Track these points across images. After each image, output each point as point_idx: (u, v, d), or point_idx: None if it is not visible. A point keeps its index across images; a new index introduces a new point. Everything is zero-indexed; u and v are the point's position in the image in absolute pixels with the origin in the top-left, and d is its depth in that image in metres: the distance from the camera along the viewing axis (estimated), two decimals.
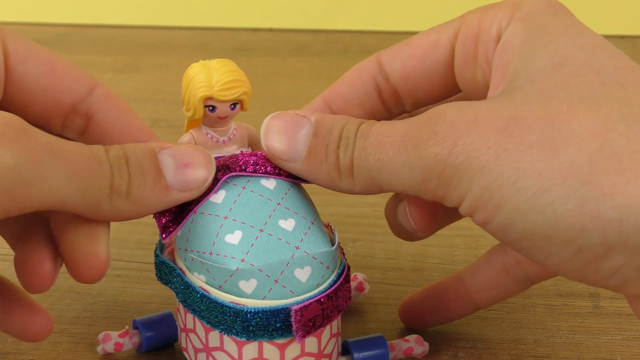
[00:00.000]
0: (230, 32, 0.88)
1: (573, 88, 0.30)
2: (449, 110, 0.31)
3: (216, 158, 0.36)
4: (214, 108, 0.35)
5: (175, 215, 0.35)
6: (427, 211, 0.36)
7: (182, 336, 0.37)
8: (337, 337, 0.36)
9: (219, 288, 0.34)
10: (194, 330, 0.36)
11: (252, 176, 0.35)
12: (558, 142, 0.29)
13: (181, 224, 0.35)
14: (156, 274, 0.37)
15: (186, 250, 0.35)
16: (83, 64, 0.82)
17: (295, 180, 0.35)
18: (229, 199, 0.34)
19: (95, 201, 0.32)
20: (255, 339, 0.34)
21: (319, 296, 0.34)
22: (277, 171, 0.35)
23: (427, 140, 0.31)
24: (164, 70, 0.78)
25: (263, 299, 0.33)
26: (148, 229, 0.49)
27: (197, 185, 0.34)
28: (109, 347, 0.39)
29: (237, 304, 0.33)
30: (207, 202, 0.34)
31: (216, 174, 0.35)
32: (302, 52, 0.83)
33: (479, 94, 0.35)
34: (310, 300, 0.33)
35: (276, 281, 0.33)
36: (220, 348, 0.35)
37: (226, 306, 0.33)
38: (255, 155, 0.35)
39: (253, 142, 0.38)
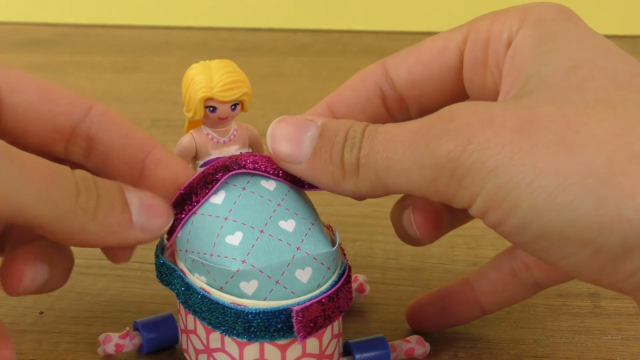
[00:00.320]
0: (230, 32, 0.88)
1: (588, 91, 0.30)
2: (462, 108, 0.31)
3: (215, 159, 0.36)
4: (214, 109, 0.35)
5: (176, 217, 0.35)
6: (432, 219, 0.36)
7: (182, 337, 0.37)
8: (339, 338, 0.36)
9: (220, 289, 0.34)
10: (194, 332, 0.36)
11: (252, 177, 0.35)
12: (576, 143, 0.29)
13: (181, 225, 0.35)
14: (157, 276, 0.37)
15: (187, 251, 0.35)
16: (83, 64, 0.82)
17: (295, 186, 0.35)
18: (229, 200, 0.34)
19: (59, 214, 0.31)
20: (256, 340, 0.34)
21: (320, 297, 0.34)
22: (277, 172, 0.35)
23: (439, 138, 0.30)
24: (164, 70, 0.78)
25: (264, 300, 0.33)
26: None
27: (157, 229, 0.34)
28: (110, 348, 0.39)
29: (238, 304, 0.33)
30: (207, 203, 0.34)
31: (216, 174, 0.35)
32: (302, 52, 0.83)
33: (488, 99, 0.35)
34: (311, 301, 0.33)
35: (277, 282, 0.33)
36: (222, 349, 0.35)
37: (227, 307, 0.33)
38: (255, 155, 0.35)
39: (254, 143, 0.38)
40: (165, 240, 0.37)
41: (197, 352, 0.36)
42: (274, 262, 0.33)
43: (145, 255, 0.47)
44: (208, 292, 0.34)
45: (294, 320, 0.33)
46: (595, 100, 0.30)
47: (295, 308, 0.33)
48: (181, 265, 0.35)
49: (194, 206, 0.35)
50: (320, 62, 0.80)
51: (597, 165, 0.28)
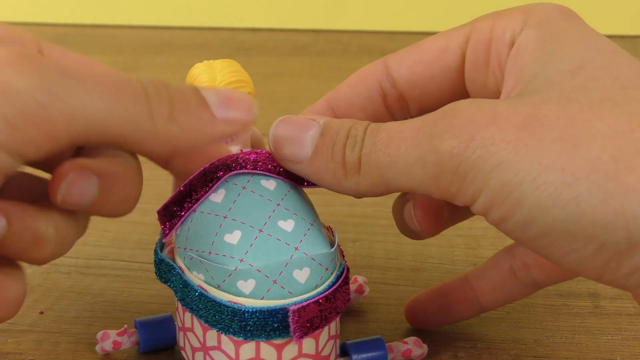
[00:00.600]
0: (230, 32, 0.88)
1: (593, 90, 0.30)
2: (466, 105, 0.31)
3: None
4: None
5: (174, 214, 0.35)
6: (432, 213, 0.36)
7: (180, 335, 0.37)
8: (336, 339, 0.36)
9: (218, 287, 0.34)
10: (192, 329, 0.36)
11: (252, 176, 0.35)
12: (581, 139, 0.29)
13: (180, 222, 0.35)
14: (155, 272, 0.37)
15: (185, 249, 0.35)
16: None
17: (296, 184, 0.35)
18: (229, 198, 0.34)
19: (134, 120, 0.30)
20: (252, 339, 0.34)
21: (317, 297, 0.34)
22: (278, 170, 0.35)
23: (442, 134, 0.30)
24: (164, 70, 0.78)
25: (261, 299, 0.33)
26: (148, 229, 0.49)
27: (240, 119, 0.33)
28: (107, 345, 0.39)
29: (235, 303, 0.33)
30: (207, 201, 0.34)
31: (217, 172, 0.35)
32: (302, 52, 0.83)
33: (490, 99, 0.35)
34: (308, 301, 0.33)
35: (274, 282, 0.33)
36: (218, 347, 0.35)
37: (224, 305, 0.33)
38: (256, 152, 0.35)
39: (256, 143, 0.38)
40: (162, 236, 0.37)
41: (194, 350, 0.36)
42: (272, 262, 0.33)
43: (146, 255, 0.47)
44: (205, 290, 0.34)
45: (290, 320, 0.33)
46: (599, 99, 0.30)
47: (292, 308, 0.33)
48: (180, 262, 0.35)
49: (194, 204, 0.35)
50: (320, 62, 0.80)
51: (602, 161, 0.28)
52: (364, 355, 0.37)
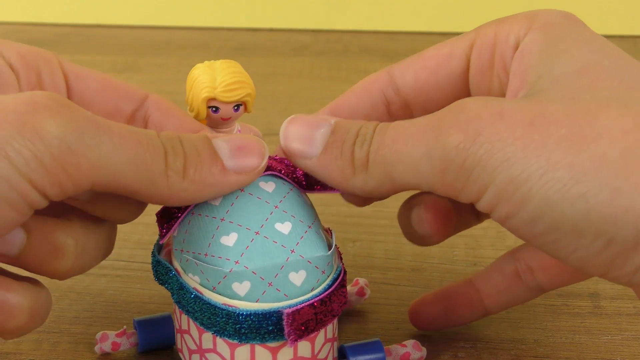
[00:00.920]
0: (230, 32, 0.88)
1: (599, 90, 0.30)
2: (473, 102, 0.31)
3: None
4: (217, 109, 0.35)
5: (172, 216, 0.35)
6: (442, 216, 0.36)
7: (177, 337, 0.37)
8: (333, 341, 0.36)
9: (213, 289, 0.34)
10: (188, 332, 0.36)
11: None
12: (589, 137, 0.29)
13: (176, 224, 0.35)
14: (153, 274, 0.37)
15: (182, 250, 0.35)
16: (83, 64, 0.82)
17: (307, 190, 0.35)
18: (227, 201, 0.34)
19: (151, 176, 0.31)
20: (247, 342, 0.34)
21: (312, 300, 0.33)
22: (278, 169, 0.35)
23: (449, 129, 0.30)
24: (164, 70, 0.78)
25: (257, 302, 0.33)
26: (148, 229, 0.49)
27: (253, 168, 0.33)
28: (106, 346, 0.39)
29: (229, 305, 0.33)
30: (205, 203, 0.34)
31: None
32: (302, 52, 0.83)
33: None
34: (302, 304, 0.33)
35: (270, 284, 0.33)
36: (213, 350, 0.35)
37: (218, 308, 0.33)
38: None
39: None
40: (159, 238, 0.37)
41: (191, 352, 0.36)
42: (268, 264, 0.33)
43: (146, 255, 0.47)
44: (201, 293, 0.34)
45: (284, 323, 0.33)
46: (607, 98, 0.30)
47: (286, 311, 0.33)
48: (176, 264, 0.35)
49: (191, 206, 0.34)
50: (320, 62, 0.80)
51: (611, 158, 0.28)
52: (362, 358, 0.37)
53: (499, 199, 0.30)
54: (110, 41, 0.86)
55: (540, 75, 0.32)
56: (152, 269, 0.37)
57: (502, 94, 0.34)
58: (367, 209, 0.52)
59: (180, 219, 0.35)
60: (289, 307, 0.33)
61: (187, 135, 0.33)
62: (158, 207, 0.35)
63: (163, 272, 0.36)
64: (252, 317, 0.33)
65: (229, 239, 0.33)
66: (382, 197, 0.35)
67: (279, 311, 0.33)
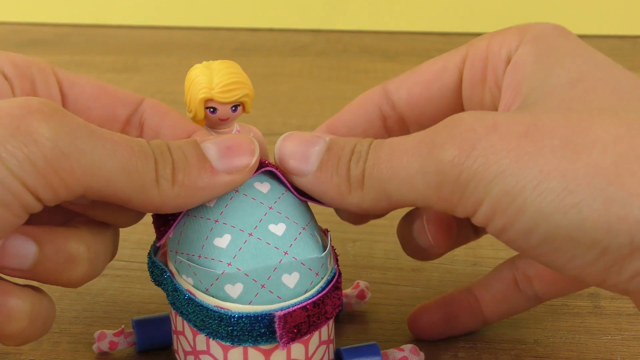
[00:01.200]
0: (230, 32, 0.88)
1: (592, 101, 0.30)
2: (467, 116, 0.31)
3: None
4: (214, 110, 0.35)
5: (169, 218, 0.35)
6: (445, 227, 0.36)
7: (174, 338, 0.37)
8: (329, 344, 0.36)
9: (206, 291, 0.33)
10: (183, 333, 0.36)
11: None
12: (581, 146, 0.29)
13: (173, 226, 0.35)
14: (150, 276, 0.37)
15: (177, 252, 0.35)
16: (83, 64, 0.82)
17: (306, 198, 0.35)
18: (221, 202, 0.34)
19: (143, 184, 0.31)
20: (240, 344, 0.33)
21: (305, 303, 0.33)
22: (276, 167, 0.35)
23: (443, 144, 0.30)
24: (164, 70, 0.78)
25: (249, 304, 0.33)
26: (148, 229, 0.49)
27: (243, 167, 0.33)
28: (104, 345, 0.39)
29: (221, 308, 0.33)
30: (200, 205, 0.34)
31: None
32: (302, 52, 0.83)
33: None
34: (295, 307, 0.33)
35: (263, 286, 0.33)
36: (207, 352, 0.34)
37: (211, 310, 0.33)
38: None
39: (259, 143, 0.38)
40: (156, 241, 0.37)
41: (186, 353, 0.36)
42: (260, 266, 0.33)
43: (145, 256, 0.47)
44: (194, 294, 0.34)
45: (276, 325, 0.33)
46: (599, 108, 0.30)
47: (278, 313, 0.33)
48: (171, 266, 0.35)
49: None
50: (320, 62, 0.80)
51: (603, 166, 0.28)
52: None
53: (494, 212, 0.30)
54: (110, 41, 0.86)
55: (533, 88, 0.32)
56: (148, 270, 0.37)
57: (495, 107, 0.35)
58: None
59: (176, 222, 0.35)
60: (281, 309, 0.33)
61: (175, 142, 0.33)
62: None
63: (158, 273, 0.36)
64: (244, 319, 0.33)
65: (222, 241, 0.33)
66: (378, 214, 0.35)
67: (271, 314, 0.33)
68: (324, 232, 0.36)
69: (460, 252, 0.49)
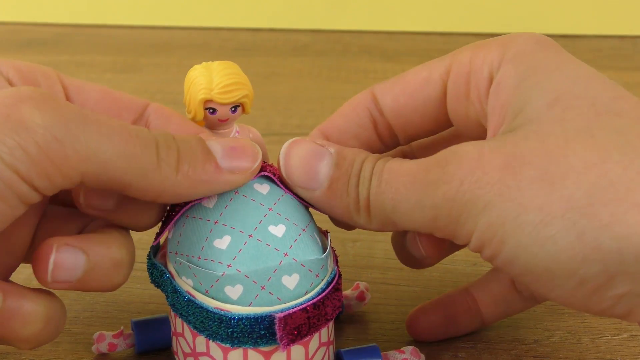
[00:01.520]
0: (230, 32, 0.88)
1: (569, 122, 0.31)
2: (455, 151, 0.32)
3: None
4: (214, 110, 0.35)
5: (166, 215, 0.35)
6: (436, 238, 0.36)
7: (173, 340, 0.37)
8: (329, 345, 0.36)
9: (206, 293, 0.33)
10: (182, 335, 0.36)
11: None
12: (556, 176, 0.30)
13: (169, 226, 0.35)
14: (149, 277, 0.37)
15: (176, 254, 0.35)
16: (83, 64, 0.82)
17: (305, 202, 0.35)
18: (221, 203, 0.34)
19: (143, 168, 0.31)
20: (239, 346, 0.33)
21: (305, 304, 0.33)
22: (272, 172, 0.35)
23: (436, 181, 0.32)
24: (164, 70, 0.78)
25: (249, 306, 0.33)
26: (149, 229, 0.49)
27: (245, 169, 0.34)
28: (103, 347, 0.39)
29: (221, 309, 0.33)
30: (199, 206, 0.34)
31: None
32: (302, 52, 0.83)
33: (472, 128, 0.36)
34: (295, 309, 0.33)
35: (263, 288, 0.33)
36: (207, 353, 0.34)
37: (211, 312, 0.33)
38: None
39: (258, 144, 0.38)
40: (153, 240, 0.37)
41: (185, 355, 0.36)
42: (260, 268, 0.33)
43: (145, 256, 0.47)
44: (193, 296, 0.34)
45: (276, 327, 0.33)
46: (575, 130, 0.31)
47: (278, 315, 0.33)
48: (171, 267, 0.35)
49: (185, 207, 0.34)
50: (320, 62, 0.80)
51: (576, 198, 0.29)
52: None
53: (482, 243, 0.31)
54: (110, 41, 0.86)
55: (516, 113, 0.32)
56: (148, 271, 0.37)
57: (479, 122, 0.35)
58: None
59: (174, 219, 0.35)
60: (281, 311, 0.33)
61: (181, 135, 0.33)
62: None
63: (158, 275, 0.36)
64: (244, 321, 0.33)
65: (222, 242, 0.33)
66: (386, 232, 0.35)
67: (271, 315, 0.33)
68: (323, 234, 0.36)
69: (460, 252, 0.48)
